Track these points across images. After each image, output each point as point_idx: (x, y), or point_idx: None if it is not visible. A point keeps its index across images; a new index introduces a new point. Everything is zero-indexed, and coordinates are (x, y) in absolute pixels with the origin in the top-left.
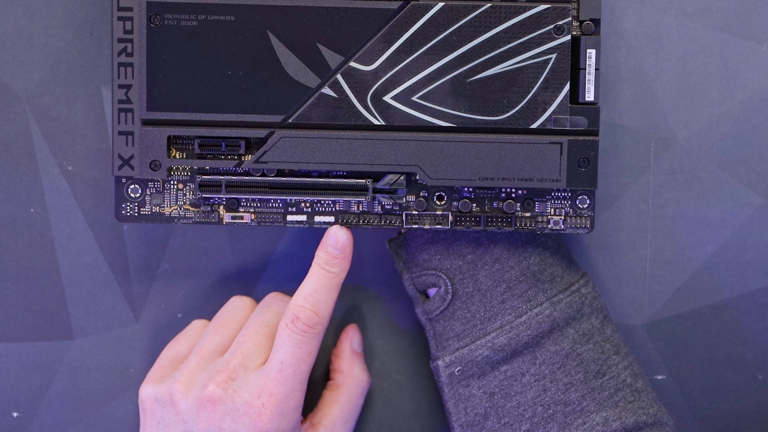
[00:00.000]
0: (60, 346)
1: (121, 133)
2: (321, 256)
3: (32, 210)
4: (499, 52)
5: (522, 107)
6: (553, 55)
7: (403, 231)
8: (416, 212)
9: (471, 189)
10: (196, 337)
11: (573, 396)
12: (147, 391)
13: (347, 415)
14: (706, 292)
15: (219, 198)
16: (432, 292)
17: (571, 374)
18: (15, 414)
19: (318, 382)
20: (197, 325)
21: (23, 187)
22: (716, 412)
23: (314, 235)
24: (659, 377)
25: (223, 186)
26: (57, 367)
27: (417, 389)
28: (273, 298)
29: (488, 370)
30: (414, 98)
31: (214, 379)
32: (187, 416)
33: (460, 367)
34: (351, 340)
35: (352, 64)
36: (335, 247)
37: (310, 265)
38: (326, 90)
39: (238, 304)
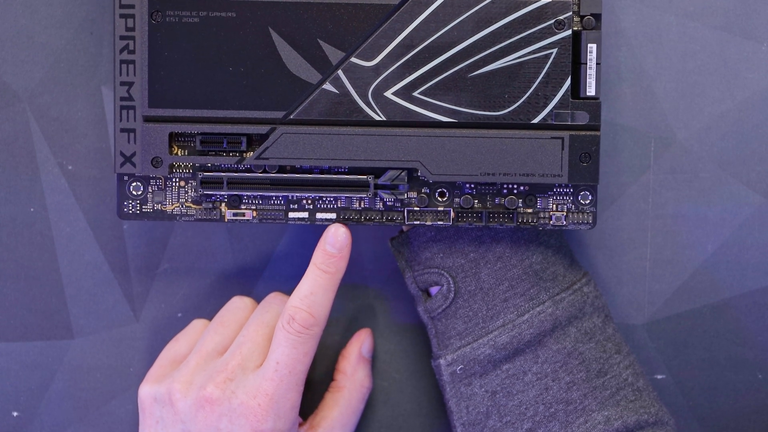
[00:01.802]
0: (60, 345)
1: (122, 130)
2: (318, 255)
3: (32, 209)
4: (500, 47)
5: (523, 102)
6: (554, 50)
7: (405, 228)
8: (418, 208)
9: (472, 185)
10: (197, 337)
11: (575, 395)
12: (146, 390)
13: (347, 418)
14: (706, 291)
15: (221, 195)
16: (434, 290)
17: (573, 373)
18: (15, 413)
19: (322, 382)
20: (198, 324)
21: (23, 187)
22: (716, 412)
23: (315, 234)
24: (659, 377)
25: (225, 183)
26: (57, 366)
27: (417, 388)
28: (273, 299)
29: (490, 369)
30: (415, 94)
31: (212, 380)
32: (185, 416)
33: (462, 366)
34: (361, 344)
35: (353, 59)
36: (334, 245)
37: (309, 261)
38: (327, 86)
39: (238, 304)
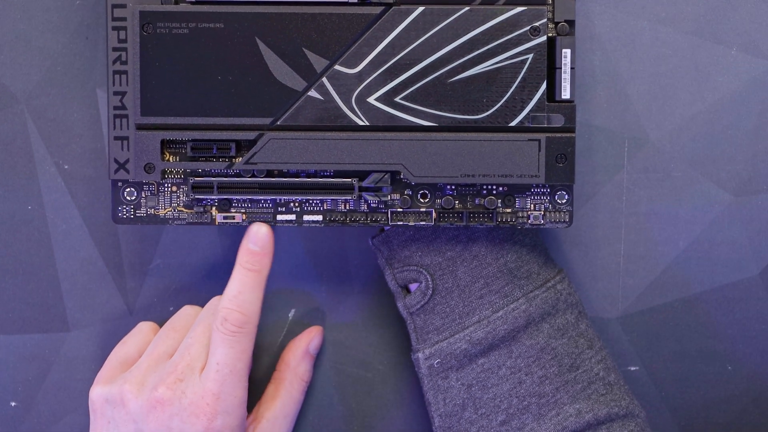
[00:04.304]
0: (56, 338)
1: (116, 138)
2: (242, 255)
3: (30, 207)
4: (478, 54)
5: (501, 106)
6: (530, 56)
7: (385, 228)
8: (401, 210)
9: (453, 186)
10: (144, 339)
11: (547, 388)
12: (97, 392)
13: (288, 409)
14: (677, 286)
15: (211, 199)
16: (413, 287)
17: (545, 367)
18: (13, 403)
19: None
20: (144, 327)
21: (21, 185)
22: (687, 402)
23: (301, 231)
24: (632, 368)
25: (215, 187)
26: (53, 358)
27: (400, 380)
28: (218, 302)
29: (466, 363)
30: (397, 99)
31: (164, 381)
32: (137, 416)
33: (439, 360)
34: (310, 341)
35: (337, 67)
36: (256, 243)
37: (297, 260)
38: (313, 93)
39: (189, 312)
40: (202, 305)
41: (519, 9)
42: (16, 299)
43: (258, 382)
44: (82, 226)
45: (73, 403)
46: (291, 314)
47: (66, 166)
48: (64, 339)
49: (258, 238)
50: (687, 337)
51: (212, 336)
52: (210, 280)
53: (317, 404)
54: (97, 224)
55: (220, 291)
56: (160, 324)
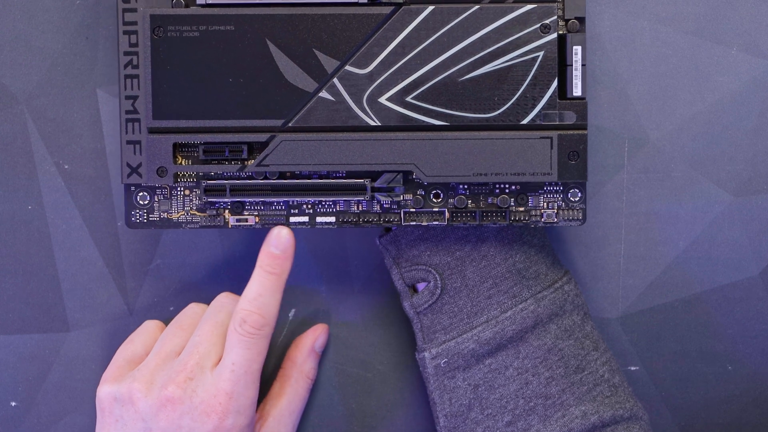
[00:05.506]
0: (56, 338)
1: (128, 142)
2: (263, 258)
3: (30, 207)
4: (489, 52)
5: (512, 104)
6: (541, 53)
7: (393, 228)
8: (414, 210)
9: (466, 185)
10: (150, 337)
11: (553, 390)
12: (105, 390)
13: (294, 406)
14: (677, 286)
15: (224, 202)
16: (421, 286)
17: (552, 368)
18: (13, 403)
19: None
20: (150, 325)
21: (21, 185)
22: (687, 402)
23: (302, 230)
24: (633, 368)
25: (228, 190)
26: (53, 358)
27: (400, 380)
28: (225, 299)
29: (473, 363)
30: (408, 99)
31: (173, 380)
32: (146, 415)
33: (446, 359)
34: (316, 339)
35: (348, 68)
36: (277, 247)
37: (298, 259)
38: (324, 94)
39: (196, 309)
40: (205, 304)
41: (529, 6)
42: (16, 299)
43: (262, 381)
44: (82, 226)
45: (74, 403)
46: (291, 314)
47: (66, 166)
48: (64, 339)
49: (279, 241)
50: (687, 337)
51: (228, 336)
52: (210, 280)
53: (318, 404)
54: (97, 224)
55: (220, 291)
56: (166, 323)
